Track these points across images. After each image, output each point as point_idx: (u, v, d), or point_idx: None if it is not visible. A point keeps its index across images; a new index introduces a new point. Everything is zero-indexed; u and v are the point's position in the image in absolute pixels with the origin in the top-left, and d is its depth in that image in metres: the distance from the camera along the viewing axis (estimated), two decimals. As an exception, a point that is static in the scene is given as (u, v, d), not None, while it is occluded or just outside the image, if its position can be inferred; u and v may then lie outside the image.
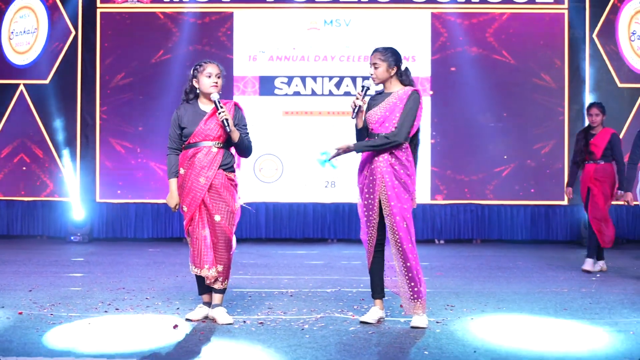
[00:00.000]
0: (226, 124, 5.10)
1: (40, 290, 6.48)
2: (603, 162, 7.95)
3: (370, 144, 5.10)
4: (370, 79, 5.19)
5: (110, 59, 11.05)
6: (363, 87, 5.13)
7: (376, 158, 5.11)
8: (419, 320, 5.10)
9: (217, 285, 5.24)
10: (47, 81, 11.01)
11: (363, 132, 5.21)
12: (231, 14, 11.02)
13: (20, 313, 5.46)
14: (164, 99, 10.80)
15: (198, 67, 5.24)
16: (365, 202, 5.18)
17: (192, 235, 5.23)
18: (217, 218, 5.17)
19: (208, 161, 5.16)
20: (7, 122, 11.07)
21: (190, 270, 5.28)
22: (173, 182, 5.26)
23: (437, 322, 5.23)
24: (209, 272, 5.17)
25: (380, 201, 5.12)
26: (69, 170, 10.97)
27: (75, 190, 10.98)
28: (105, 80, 11.04)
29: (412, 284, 5.09)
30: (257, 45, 11.02)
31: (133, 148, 11.02)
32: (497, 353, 4.40)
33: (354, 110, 5.10)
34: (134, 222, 11.11)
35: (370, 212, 5.16)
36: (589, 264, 7.90)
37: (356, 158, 5.31)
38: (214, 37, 11.05)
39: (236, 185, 5.29)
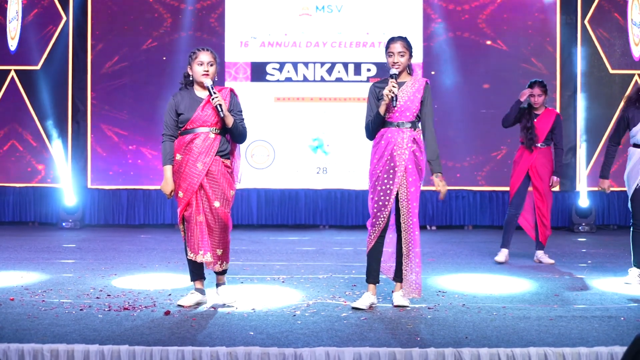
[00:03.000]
0: (220, 109, 5.12)
1: (31, 277, 6.48)
2: (545, 146, 7.50)
3: (435, 150, 5.23)
4: (393, 67, 5.20)
5: (102, 44, 10.98)
6: (394, 75, 5.14)
7: (399, 146, 5.19)
8: (401, 298, 5.29)
9: (217, 268, 5.30)
10: (38, 67, 10.94)
11: (381, 120, 5.23)
12: (222, 0, 10.97)
13: (12, 299, 5.46)
14: (156, 85, 10.79)
15: (192, 54, 5.28)
16: (382, 188, 5.20)
17: (189, 220, 5.25)
18: (217, 204, 5.18)
19: (206, 147, 5.18)
20: (-2, 109, 11.03)
21: (186, 256, 5.30)
22: (168, 169, 5.26)
23: (428, 308, 5.26)
24: (204, 258, 5.21)
25: (398, 188, 5.19)
26: (60, 156, 10.93)
27: (66, 177, 10.94)
28: (96, 66, 10.99)
29: (418, 269, 5.22)
30: (249, 31, 10.98)
31: (124, 134, 10.98)
32: (489, 339, 4.42)
33: (393, 99, 5.09)
34: (126, 209, 11.10)
35: (388, 198, 5.18)
36: (503, 255, 7.53)
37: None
38: (205, 23, 11.00)
39: (231, 172, 5.32)
